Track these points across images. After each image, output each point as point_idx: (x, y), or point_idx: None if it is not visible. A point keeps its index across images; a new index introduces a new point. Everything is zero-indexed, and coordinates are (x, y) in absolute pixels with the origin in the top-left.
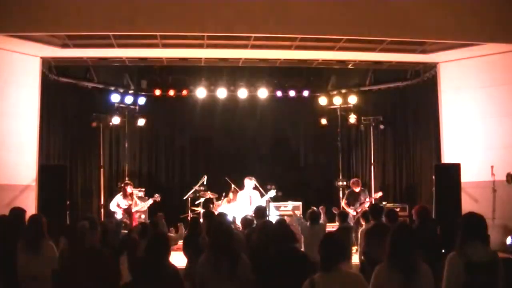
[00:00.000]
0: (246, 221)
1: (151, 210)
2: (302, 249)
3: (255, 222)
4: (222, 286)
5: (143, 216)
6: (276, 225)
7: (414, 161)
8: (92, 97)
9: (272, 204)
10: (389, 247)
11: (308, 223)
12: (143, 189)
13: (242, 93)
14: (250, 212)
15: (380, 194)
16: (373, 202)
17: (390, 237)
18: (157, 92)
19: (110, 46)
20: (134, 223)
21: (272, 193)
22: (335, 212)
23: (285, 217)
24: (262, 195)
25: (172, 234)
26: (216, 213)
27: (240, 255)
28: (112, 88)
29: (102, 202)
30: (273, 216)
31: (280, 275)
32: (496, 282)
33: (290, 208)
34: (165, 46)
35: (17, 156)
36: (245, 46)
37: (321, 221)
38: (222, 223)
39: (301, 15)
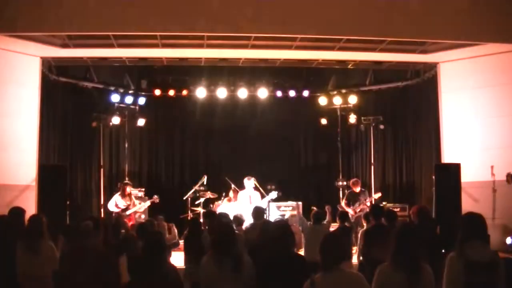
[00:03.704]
0: (236, 219)
1: (151, 210)
2: (303, 249)
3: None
4: (228, 287)
5: (142, 216)
6: (276, 226)
7: (414, 161)
8: (92, 97)
9: (272, 204)
10: (394, 247)
11: (310, 223)
12: (143, 189)
13: (242, 93)
14: (250, 212)
15: (379, 194)
16: (372, 203)
17: (395, 237)
18: (157, 92)
19: (110, 46)
20: (132, 223)
21: (274, 194)
22: (340, 208)
23: (286, 217)
24: (262, 195)
25: (168, 236)
26: (217, 213)
27: (242, 255)
28: (112, 88)
29: (102, 202)
30: (273, 216)
31: (276, 277)
32: (496, 282)
33: (291, 208)
34: (165, 46)
35: (17, 156)
36: (245, 46)
37: (326, 221)
38: (225, 224)
39: (301, 15)
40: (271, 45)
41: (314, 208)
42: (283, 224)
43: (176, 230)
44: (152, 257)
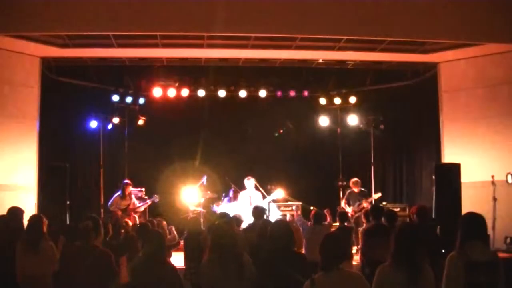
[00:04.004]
0: (235, 219)
1: (151, 210)
2: (303, 249)
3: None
4: (232, 287)
5: (142, 216)
6: (277, 225)
7: (414, 161)
8: (92, 97)
9: (273, 205)
10: (394, 247)
11: (310, 224)
12: (143, 189)
13: (242, 93)
14: (249, 212)
15: (379, 194)
16: (372, 203)
17: (394, 237)
18: (157, 92)
19: (110, 46)
20: (133, 223)
21: (279, 193)
22: (340, 209)
23: (287, 217)
24: (263, 196)
25: (168, 237)
26: (217, 213)
27: (243, 255)
28: (112, 88)
29: (102, 202)
30: (273, 216)
31: (278, 276)
32: (496, 282)
33: (291, 208)
34: (165, 46)
35: (17, 156)
36: (245, 46)
37: (326, 223)
38: (224, 224)
39: (301, 15)
40: (271, 45)
41: (314, 208)
42: (283, 223)
43: (175, 231)
44: (152, 257)
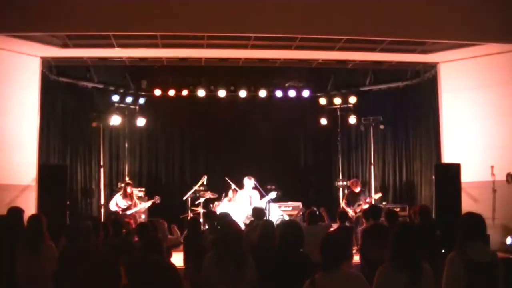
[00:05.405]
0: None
1: (151, 210)
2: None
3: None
4: (229, 286)
5: (143, 216)
6: (286, 225)
7: (414, 161)
8: (92, 97)
9: (274, 205)
10: (393, 248)
11: (305, 224)
12: (143, 189)
13: (242, 93)
14: (249, 212)
15: (379, 195)
16: (372, 203)
17: (393, 237)
18: (157, 92)
19: (110, 46)
20: (133, 223)
21: (273, 194)
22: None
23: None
24: (262, 195)
25: (170, 236)
26: (218, 213)
27: (246, 257)
28: (112, 88)
29: (102, 202)
30: (273, 217)
31: (281, 275)
32: (496, 282)
33: (291, 208)
34: (165, 46)
35: (17, 156)
36: (245, 46)
37: (324, 223)
38: (230, 223)
39: (301, 15)
40: (271, 45)
41: (314, 208)
42: (294, 224)
43: (177, 230)
44: (152, 257)
